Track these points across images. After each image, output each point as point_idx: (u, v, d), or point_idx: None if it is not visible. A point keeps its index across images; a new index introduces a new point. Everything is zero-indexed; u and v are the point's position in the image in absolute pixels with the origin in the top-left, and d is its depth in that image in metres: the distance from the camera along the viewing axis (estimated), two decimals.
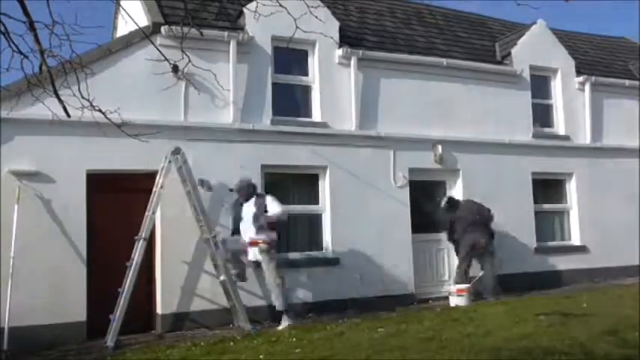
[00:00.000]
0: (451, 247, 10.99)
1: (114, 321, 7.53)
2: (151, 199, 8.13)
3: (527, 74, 12.08)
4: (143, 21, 9.13)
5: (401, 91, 10.69)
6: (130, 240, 8.00)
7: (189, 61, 4.98)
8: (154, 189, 8.17)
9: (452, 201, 10.51)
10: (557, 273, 11.59)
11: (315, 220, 10.02)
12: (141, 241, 7.91)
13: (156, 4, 9.33)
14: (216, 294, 8.66)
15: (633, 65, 14.17)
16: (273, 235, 8.33)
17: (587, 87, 12.62)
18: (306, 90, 10.27)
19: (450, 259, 10.96)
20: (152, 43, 6.14)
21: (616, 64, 14.14)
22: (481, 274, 10.20)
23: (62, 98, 4.17)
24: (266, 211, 8.31)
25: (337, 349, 6.45)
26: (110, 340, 7.44)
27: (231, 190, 8.68)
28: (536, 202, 11.82)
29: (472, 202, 10.44)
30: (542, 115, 12.39)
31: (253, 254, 8.36)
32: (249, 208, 8.42)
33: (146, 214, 8.05)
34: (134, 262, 7.82)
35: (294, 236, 9.89)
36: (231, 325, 8.49)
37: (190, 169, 8.41)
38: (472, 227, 10.10)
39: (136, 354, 6.99)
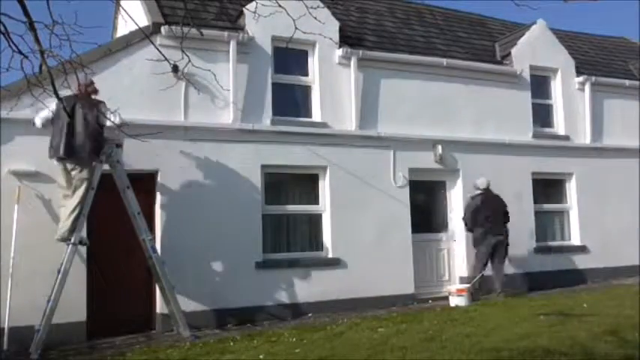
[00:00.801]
0: (451, 247, 11.01)
1: (38, 332, 6.99)
2: (80, 201, 7.41)
3: (527, 74, 12.08)
4: (143, 21, 9.14)
5: (401, 91, 10.69)
6: (129, 240, 8.01)
7: (189, 61, 4.97)
8: (81, 191, 7.44)
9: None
10: (557, 273, 11.58)
11: (315, 220, 10.02)
12: (70, 246, 7.36)
13: (156, 4, 9.33)
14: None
15: (633, 65, 14.17)
16: None
17: (587, 87, 12.62)
18: (306, 90, 10.27)
19: (450, 259, 10.98)
20: (152, 43, 6.12)
21: (616, 64, 14.14)
22: (480, 274, 10.18)
23: (62, 98, 4.17)
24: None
25: (337, 349, 6.46)
26: (35, 351, 6.91)
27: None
28: (536, 202, 11.82)
29: (493, 195, 10.47)
30: (542, 115, 12.38)
31: None
32: None
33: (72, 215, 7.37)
34: (63, 269, 7.24)
35: (294, 236, 9.90)
36: (172, 331, 8.21)
37: (123, 168, 7.91)
38: (494, 219, 10.21)
39: (136, 354, 6.99)
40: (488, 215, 10.16)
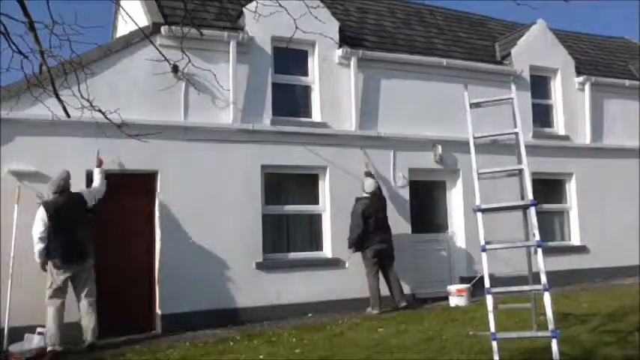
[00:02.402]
0: (451, 247, 11.00)
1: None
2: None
3: (527, 74, 12.08)
4: (143, 21, 9.14)
5: (401, 91, 10.69)
6: (129, 240, 8.00)
7: (189, 61, 4.98)
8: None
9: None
10: (557, 273, 11.54)
11: (315, 220, 10.02)
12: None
13: (156, 4, 9.33)
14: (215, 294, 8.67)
15: (633, 65, 14.17)
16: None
17: (587, 87, 12.62)
18: (306, 90, 10.28)
19: (450, 259, 10.97)
20: (152, 43, 6.14)
21: (616, 64, 14.14)
22: (480, 275, 10.12)
23: (62, 98, 4.17)
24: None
25: (337, 349, 6.46)
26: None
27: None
28: None
29: (378, 200, 9.61)
30: (542, 115, 12.39)
31: None
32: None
33: None
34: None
35: (294, 236, 9.90)
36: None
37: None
38: (376, 225, 9.39)
39: (136, 354, 6.99)
40: (371, 221, 9.34)
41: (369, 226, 9.31)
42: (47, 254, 7.27)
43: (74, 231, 7.35)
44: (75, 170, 8.09)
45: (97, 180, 7.96)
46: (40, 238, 7.23)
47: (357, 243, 9.39)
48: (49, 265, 7.31)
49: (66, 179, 7.56)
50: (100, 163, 8.07)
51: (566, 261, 11.79)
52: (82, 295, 7.40)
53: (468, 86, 6.93)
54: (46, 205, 7.34)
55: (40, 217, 7.29)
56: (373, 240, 9.33)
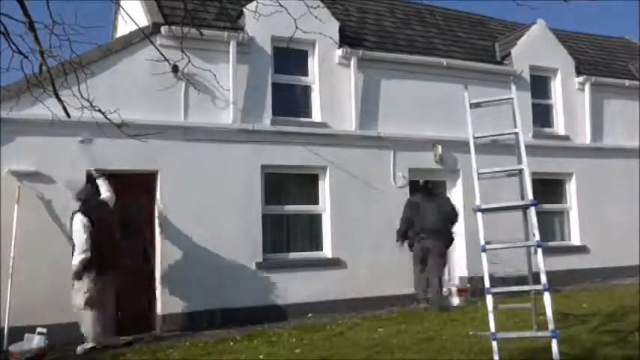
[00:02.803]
0: (451, 247, 10.98)
1: None
2: None
3: (527, 74, 12.09)
4: (143, 21, 9.14)
5: (401, 91, 10.69)
6: (129, 240, 7.99)
7: (189, 61, 4.98)
8: None
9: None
10: (556, 273, 11.54)
11: (315, 220, 10.02)
12: None
13: (156, 4, 9.33)
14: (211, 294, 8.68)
15: (633, 65, 14.17)
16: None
17: (587, 87, 12.62)
18: (306, 90, 10.28)
19: (450, 259, 10.94)
20: (152, 43, 6.14)
21: (616, 64, 14.14)
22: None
23: (62, 98, 4.17)
24: None
25: (337, 349, 6.46)
26: None
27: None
28: None
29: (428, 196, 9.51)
30: (542, 115, 12.39)
31: None
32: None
33: None
34: None
35: (294, 236, 9.90)
36: None
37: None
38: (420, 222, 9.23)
39: (136, 354, 6.99)
40: (415, 216, 9.25)
41: (410, 222, 9.22)
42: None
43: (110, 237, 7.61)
44: (75, 170, 8.11)
45: (106, 191, 7.90)
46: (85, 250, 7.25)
47: (401, 235, 9.30)
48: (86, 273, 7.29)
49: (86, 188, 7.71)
50: (99, 175, 8.04)
51: (566, 261, 11.79)
52: None
53: (468, 86, 6.91)
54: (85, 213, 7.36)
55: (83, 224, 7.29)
56: (416, 237, 9.17)
